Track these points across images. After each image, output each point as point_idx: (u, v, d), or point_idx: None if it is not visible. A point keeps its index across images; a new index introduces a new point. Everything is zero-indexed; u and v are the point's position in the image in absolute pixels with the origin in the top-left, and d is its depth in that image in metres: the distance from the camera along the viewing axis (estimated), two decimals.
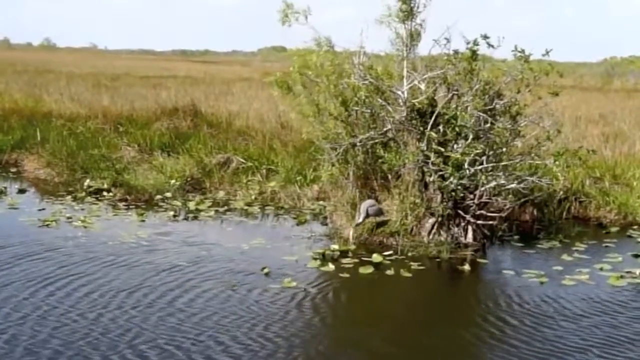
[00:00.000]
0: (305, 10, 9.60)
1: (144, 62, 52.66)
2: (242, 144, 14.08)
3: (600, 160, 12.30)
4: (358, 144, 9.57)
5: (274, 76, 10.14)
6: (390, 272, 8.23)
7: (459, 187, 9.10)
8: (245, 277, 7.86)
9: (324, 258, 8.58)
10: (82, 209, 10.86)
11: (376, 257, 8.64)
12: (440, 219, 9.26)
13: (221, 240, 9.39)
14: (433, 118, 9.15)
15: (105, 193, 11.83)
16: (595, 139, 14.39)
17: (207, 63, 57.60)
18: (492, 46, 9.14)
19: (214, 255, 8.67)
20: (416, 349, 6.29)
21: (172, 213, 10.78)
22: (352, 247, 9.08)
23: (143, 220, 10.34)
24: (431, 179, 9.18)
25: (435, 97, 9.46)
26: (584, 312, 7.08)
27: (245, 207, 11.30)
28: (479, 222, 9.33)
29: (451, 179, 8.96)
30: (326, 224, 10.26)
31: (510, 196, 9.57)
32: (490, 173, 9.16)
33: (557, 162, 9.29)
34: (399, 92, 9.33)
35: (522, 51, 9.25)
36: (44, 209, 10.81)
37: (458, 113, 9.10)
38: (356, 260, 8.56)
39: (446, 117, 9.19)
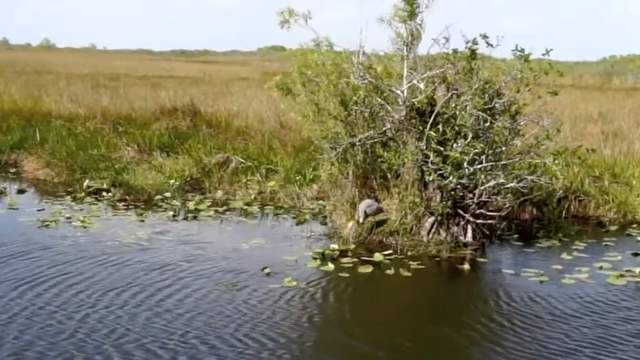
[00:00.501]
0: (306, 15, 9.62)
1: (143, 62, 52.60)
2: (241, 143, 14.09)
3: (600, 159, 12.30)
4: (357, 143, 9.57)
5: (274, 80, 10.11)
6: (390, 271, 8.24)
7: (459, 186, 9.10)
8: (245, 277, 7.85)
9: (323, 257, 8.58)
10: (82, 209, 10.87)
11: (376, 257, 8.64)
12: (439, 218, 9.26)
13: (220, 240, 9.40)
14: (432, 117, 9.15)
15: (104, 193, 11.83)
16: (594, 137, 14.39)
17: (206, 63, 57.55)
18: (491, 45, 9.15)
19: (214, 255, 8.67)
20: (416, 348, 6.28)
21: (171, 213, 10.78)
22: (352, 245, 9.09)
23: (142, 220, 10.34)
24: (430, 178, 9.18)
25: (435, 97, 9.46)
26: (584, 312, 7.08)
27: (245, 207, 11.30)
28: (478, 221, 9.33)
29: (450, 178, 8.96)
30: (325, 224, 10.26)
31: (509, 195, 9.58)
32: (490, 172, 9.17)
33: (556, 161, 9.30)
34: (398, 92, 9.33)
35: (522, 50, 9.26)
36: (43, 209, 10.81)
37: (457, 112, 9.10)
38: (356, 260, 8.57)
39: (445, 116, 9.19)
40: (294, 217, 10.79)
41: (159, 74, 33.76)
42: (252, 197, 11.82)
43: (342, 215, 9.85)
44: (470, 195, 9.26)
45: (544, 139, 9.40)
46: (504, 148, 9.39)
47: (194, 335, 6.22)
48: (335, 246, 8.97)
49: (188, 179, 12.50)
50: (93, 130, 15.57)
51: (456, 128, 9.10)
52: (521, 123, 9.51)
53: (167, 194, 11.78)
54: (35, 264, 8.07)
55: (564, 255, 9.01)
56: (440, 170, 9.03)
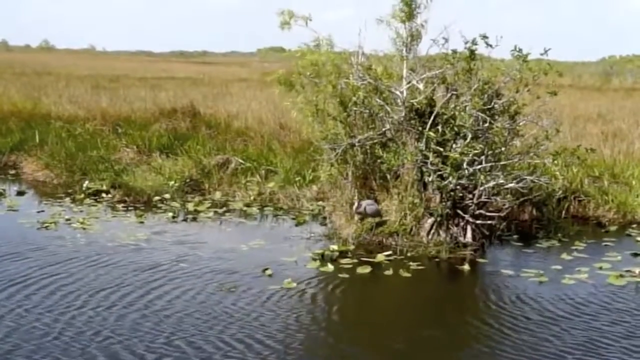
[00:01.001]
0: (306, 17, 9.62)
1: (143, 63, 52.65)
2: (240, 144, 14.08)
3: (599, 159, 12.30)
4: (357, 144, 9.57)
5: (276, 74, 10.10)
6: (389, 272, 8.23)
7: (458, 187, 9.10)
8: (245, 278, 7.85)
9: (323, 258, 8.58)
10: (81, 211, 10.87)
11: (376, 258, 8.64)
12: (439, 218, 9.26)
13: (220, 242, 9.39)
14: (432, 118, 9.15)
15: (104, 195, 11.83)
16: (594, 137, 14.38)
17: (206, 64, 57.61)
18: (491, 46, 9.15)
19: (213, 256, 8.67)
20: (416, 349, 6.29)
21: (171, 214, 10.78)
22: (351, 246, 9.09)
23: (142, 222, 10.34)
24: (430, 178, 9.18)
25: (434, 97, 9.46)
26: (585, 312, 7.08)
27: (244, 208, 11.29)
28: (478, 221, 9.33)
29: (450, 178, 8.96)
30: (325, 225, 10.26)
31: (509, 196, 9.58)
32: (489, 173, 9.16)
33: (555, 162, 9.31)
34: (398, 92, 9.33)
35: (521, 50, 9.26)
36: (43, 211, 10.81)
37: (457, 113, 9.11)
38: (355, 261, 8.56)
39: (445, 117, 9.19)
40: (293, 218, 10.79)
41: (159, 75, 33.78)
42: (252, 198, 11.82)
43: (342, 216, 9.85)
44: (470, 195, 9.26)
45: (543, 139, 9.40)
46: (503, 148, 9.39)
47: (196, 336, 6.21)
48: (335, 247, 8.96)
49: (187, 180, 12.49)
50: (92, 131, 15.56)
51: (455, 129, 9.10)
52: (520, 123, 9.51)
53: (167, 196, 11.78)
54: (30, 264, 8.09)
55: (564, 256, 9.00)
56: (439, 171, 9.03)
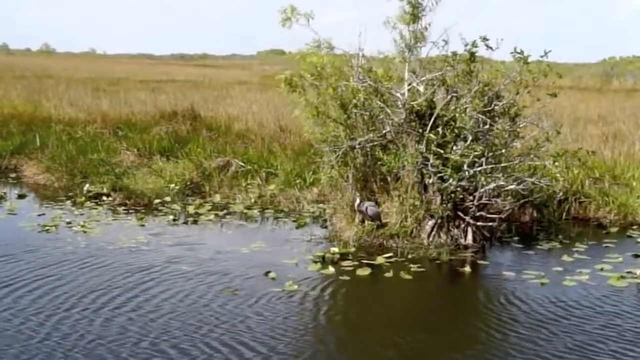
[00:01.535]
0: (308, 14, 9.61)
1: (143, 66, 52.67)
2: (241, 147, 14.09)
3: (600, 160, 12.30)
4: (357, 146, 9.57)
5: (284, 75, 10.07)
6: (390, 274, 8.23)
7: (459, 189, 9.10)
8: (246, 281, 7.85)
9: (324, 261, 8.58)
10: (82, 214, 10.87)
11: (376, 260, 8.63)
12: (439, 220, 9.25)
13: (221, 244, 9.38)
14: (432, 120, 9.15)
15: (104, 198, 11.83)
16: (594, 139, 14.38)
17: (206, 67, 57.64)
18: (491, 48, 9.15)
19: (214, 259, 8.67)
20: (416, 351, 6.28)
21: (171, 217, 10.77)
22: (352, 249, 9.09)
23: (143, 225, 10.34)
24: (430, 180, 9.17)
25: (434, 99, 9.46)
26: (586, 313, 7.07)
27: (245, 211, 11.29)
28: (478, 223, 9.33)
29: (450, 180, 8.96)
30: (326, 227, 10.25)
31: (509, 197, 9.57)
32: (490, 174, 9.16)
33: (556, 163, 9.30)
34: (398, 94, 9.33)
35: (521, 52, 9.26)
36: (43, 214, 10.81)
37: (457, 115, 9.10)
38: (356, 263, 8.56)
39: (445, 119, 9.19)
40: (294, 221, 10.78)
41: (159, 78, 33.79)
42: (252, 200, 11.82)
43: (343, 218, 9.84)
44: (471, 197, 9.26)
45: (543, 141, 9.40)
46: (503, 150, 9.39)
47: (198, 338, 6.21)
48: (336, 249, 8.96)
49: (188, 183, 12.50)
50: (93, 134, 15.58)
51: (456, 131, 9.10)
52: (521, 125, 9.51)
53: (167, 198, 11.78)
54: (28, 266, 8.11)
55: (565, 257, 9.00)
56: (440, 173, 9.03)
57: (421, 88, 9.36)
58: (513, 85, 9.43)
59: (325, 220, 10.47)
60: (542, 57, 9.40)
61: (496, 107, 9.31)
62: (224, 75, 39.43)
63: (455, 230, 9.37)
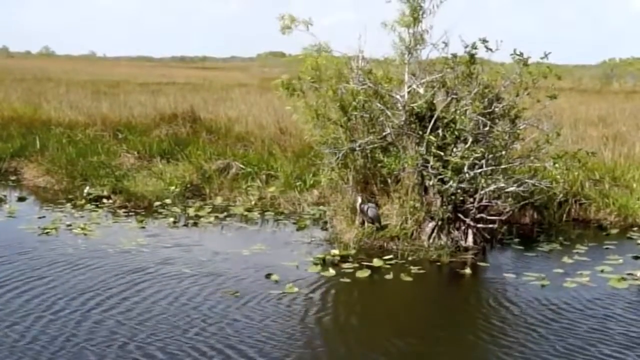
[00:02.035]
0: (307, 21, 9.64)
1: (143, 68, 52.69)
2: (241, 149, 14.09)
3: (600, 162, 12.30)
4: (357, 148, 9.57)
5: (281, 79, 10.10)
6: (390, 276, 8.22)
7: (459, 191, 9.09)
8: (247, 283, 7.85)
9: (324, 263, 8.57)
10: (82, 217, 10.86)
11: (377, 262, 8.63)
12: (440, 222, 9.25)
13: (221, 247, 9.37)
14: (432, 122, 9.15)
15: (105, 200, 11.83)
16: (594, 141, 14.39)
17: (206, 69, 57.66)
18: (491, 50, 9.16)
19: (214, 261, 8.67)
20: (417, 353, 6.28)
21: (172, 219, 10.77)
22: (353, 251, 9.08)
23: (143, 227, 10.34)
24: (431, 182, 9.18)
25: (434, 101, 9.46)
26: (586, 314, 7.07)
27: (245, 213, 11.29)
28: (479, 225, 9.32)
29: (451, 182, 8.96)
30: (326, 229, 10.24)
31: (510, 199, 9.57)
32: (490, 176, 9.16)
33: (556, 165, 9.30)
34: (398, 96, 9.33)
35: (521, 54, 9.27)
36: (43, 217, 10.80)
37: (457, 117, 9.10)
38: (357, 265, 8.55)
39: (445, 121, 9.19)
40: (294, 223, 10.78)
41: (159, 81, 33.81)
42: (253, 203, 11.82)
43: (343, 220, 9.84)
44: (471, 199, 9.26)
45: (544, 142, 9.40)
46: (504, 152, 9.39)
47: (200, 340, 6.21)
48: (336, 251, 8.95)
49: (188, 186, 12.50)
50: (93, 137, 15.58)
51: (456, 132, 9.10)
52: (521, 127, 9.51)
53: (168, 201, 11.78)
54: (22, 268, 8.12)
55: (565, 259, 8.99)
56: (440, 174, 9.02)
57: (421, 90, 9.36)
58: (513, 87, 9.43)
59: (325, 223, 10.47)
60: (541, 58, 9.41)
61: (496, 109, 9.31)
62: (224, 78, 39.45)
63: (456, 232, 9.37)
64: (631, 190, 11.50)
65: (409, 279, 8.17)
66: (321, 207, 11.18)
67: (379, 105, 9.36)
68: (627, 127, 16.42)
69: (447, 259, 8.89)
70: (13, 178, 14.08)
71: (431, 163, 8.99)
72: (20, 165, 14.56)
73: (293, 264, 8.59)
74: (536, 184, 9.54)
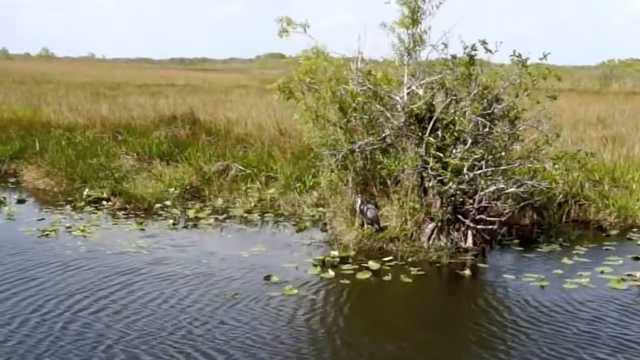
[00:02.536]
0: (304, 24, 9.65)
1: (142, 70, 52.73)
2: (240, 151, 14.09)
3: (600, 163, 12.30)
4: (357, 150, 9.57)
5: (276, 83, 10.11)
6: (390, 277, 8.22)
7: (458, 192, 9.09)
8: (246, 284, 7.85)
9: (324, 265, 8.57)
10: (82, 219, 10.86)
11: (376, 263, 8.62)
12: (439, 224, 9.25)
13: (221, 248, 9.37)
14: (431, 123, 9.15)
15: (104, 202, 11.82)
16: (594, 142, 14.39)
17: (205, 71, 57.71)
18: (490, 51, 9.16)
19: (214, 263, 8.66)
20: (417, 354, 6.27)
21: (171, 221, 10.76)
22: (352, 252, 9.08)
23: (143, 229, 10.33)
24: (430, 184, 9.17)
25: (434, 103, 9.46)
26: (585, 315, 7.07)
27: (245, 215, 11.29)
28: (478, 226, 9.32)
29: (450, 183, 8.96)
30: (326, 230, 10.24)
31: (509, 200, 9.57)
32: (490, 177, 9.16)
33: (556, 166, 9.29)
34: (397, 98, 9.33)
35: (520, 55, 9.27)
36: (43, 219, 10.80)
37: (456, 118, 9.10)
38: (356, 267, 8.55)
39: (445, 122, 9.19)
40: (294, 224, 10.78)
41: (158, 83, 33.82)
42: (252, 204, 11.82)
43: (343, 222, 9.84)
44: (470, 200, 9.25)
45: (543, 143, 9.40)
46: (503, 153, 9.39)
47: (200, 341, 6.21)
48: (336, 253, 8.95)
49: (188, 187, 12.50)
50: (92, 139, 15.57)
51: (455, 134, 9.10)
52: (520, 128, 9.51)
53: (167, 203, 11.78)
54: (20, 269, 8.13)
55: (565, 260, 8.99)
56: (440, 176, 9.02)
57: (420, 91, 9.36)
58: (512, 88, 9.43)
59: (325, 224, 10.46)
60: (541, 59, 9.43)
61: (496, 110, 9.31)
62: (223, 79, 39.46)
63: (455, 234, 9.37)
64: (631, 191, 11.49)
65: (408, 280, 8.17)
66: (321, 209, 11.17)
67: (378, 106, 9.36)
68: (626, 128, 16.43)
69: (447, 260, 8.89)
70: (12, 180, 14.08)
71: (431, 164, 8.99)
72: (19, 168, 14.56)
73: (293, 265, 8.59)
74: (536, 185, 9.54)
